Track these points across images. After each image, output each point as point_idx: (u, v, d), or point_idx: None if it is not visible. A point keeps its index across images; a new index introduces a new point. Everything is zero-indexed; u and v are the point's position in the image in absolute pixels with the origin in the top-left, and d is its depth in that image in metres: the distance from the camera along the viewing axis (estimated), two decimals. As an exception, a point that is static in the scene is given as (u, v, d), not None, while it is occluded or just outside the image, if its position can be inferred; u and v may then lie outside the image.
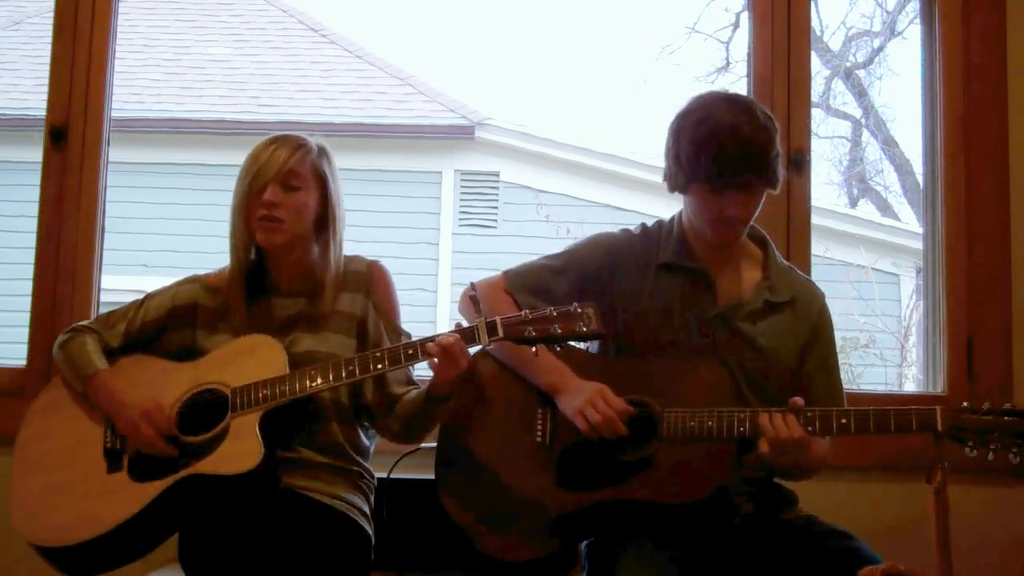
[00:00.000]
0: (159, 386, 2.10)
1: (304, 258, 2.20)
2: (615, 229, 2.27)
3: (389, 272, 2.27)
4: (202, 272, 2.29)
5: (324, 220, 2.19)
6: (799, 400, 1.96)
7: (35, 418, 2.19)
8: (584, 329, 1.91)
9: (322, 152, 2.21)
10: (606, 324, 2.16)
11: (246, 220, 2.14)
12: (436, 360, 1.97)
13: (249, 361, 2.07)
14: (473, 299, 2.00)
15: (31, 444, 2.15)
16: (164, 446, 2.01)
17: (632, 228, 2.25)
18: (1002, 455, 1.87)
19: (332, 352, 2.12)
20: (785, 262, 2.25)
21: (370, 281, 2.23)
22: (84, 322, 2.24)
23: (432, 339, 1.98)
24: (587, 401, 1.99)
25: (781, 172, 2.10)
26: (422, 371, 2.21)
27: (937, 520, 1.84)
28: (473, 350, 2.04)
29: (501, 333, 1.92)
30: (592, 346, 2.27)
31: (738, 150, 1.99)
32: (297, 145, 2.17)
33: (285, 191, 2.13)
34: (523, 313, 1.94)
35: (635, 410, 2.01)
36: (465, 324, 2.02)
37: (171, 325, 2.22)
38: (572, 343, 2.04)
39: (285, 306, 2.20)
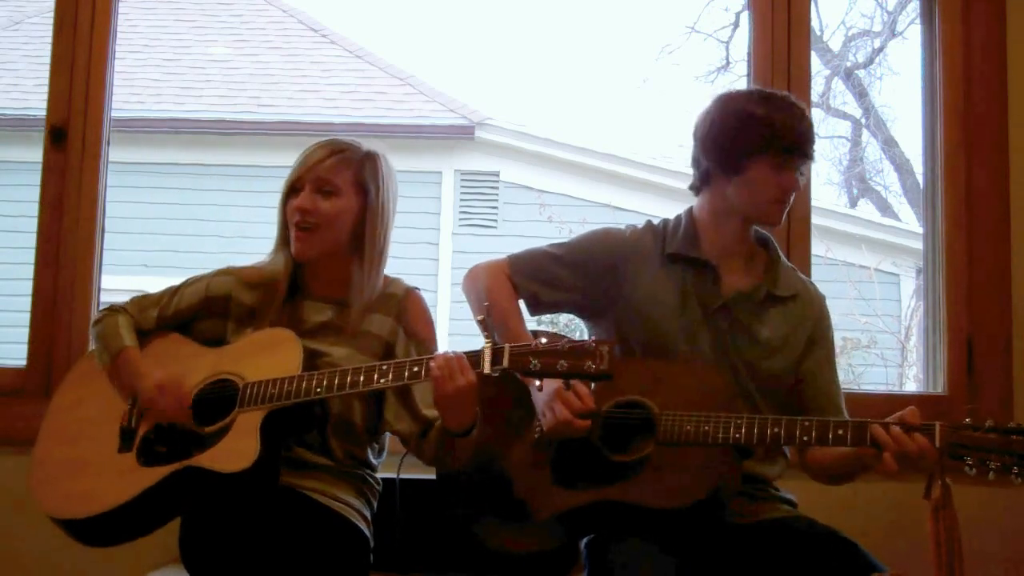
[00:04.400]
0: (184, 367, 2.11)
1: (341, 267, 2.17)
2: (621, 225, 2.27)
3: (424, 300, 2.22)
4: (236, 264, 2.26)
5: (362, 234, 2.14)
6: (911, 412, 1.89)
7: (70, 388, 2.21)
8: (592, 367, 1.79)
9: (368, 159, 2.15)
10: (607, 316, 2.18)
11: (284, 221, 2.15)
12: (437, 375, 1.90)
13: (267, 356, 2.06)
14: (482, 323, 1.96)
15: (60, 412, 2.18)
16: (184, 416, 2.02)
17: (638, 225, 2.26)
18: (1002, 475, 1.78)
19: None
20: (788, 263, 2.26)
21: (404, 307, 2.18)
22: (121, 302, 2.24)
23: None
24: (547, 403, 2.01)
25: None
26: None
27: (938, 538, 1.81)
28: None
29: (506, 363, 1.85)
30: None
31: (805, 129, 2.12)
32: (335, 150, 2.12)
33: (321, 196, 2.11)
34: (534, 344, 1.84)
35: (603, 410, 2.01)
36: (468, 306, 2.00)
37: (202, 315, 2.21)
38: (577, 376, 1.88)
39: (316, 311, 2.18)
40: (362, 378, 1.96)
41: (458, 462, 2.06)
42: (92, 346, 2.21)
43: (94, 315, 2.80)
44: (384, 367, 1.95)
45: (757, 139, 2.08)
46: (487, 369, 1.86)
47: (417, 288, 2.23)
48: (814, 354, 2.17)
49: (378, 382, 1.94)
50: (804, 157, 2.12)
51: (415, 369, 1.92)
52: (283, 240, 2.18)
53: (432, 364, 1.89)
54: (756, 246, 2.22)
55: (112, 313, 2.20)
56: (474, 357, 1.89)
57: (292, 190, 2.14)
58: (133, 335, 2.16)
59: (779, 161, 2.09)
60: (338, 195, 2.11)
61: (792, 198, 2.15)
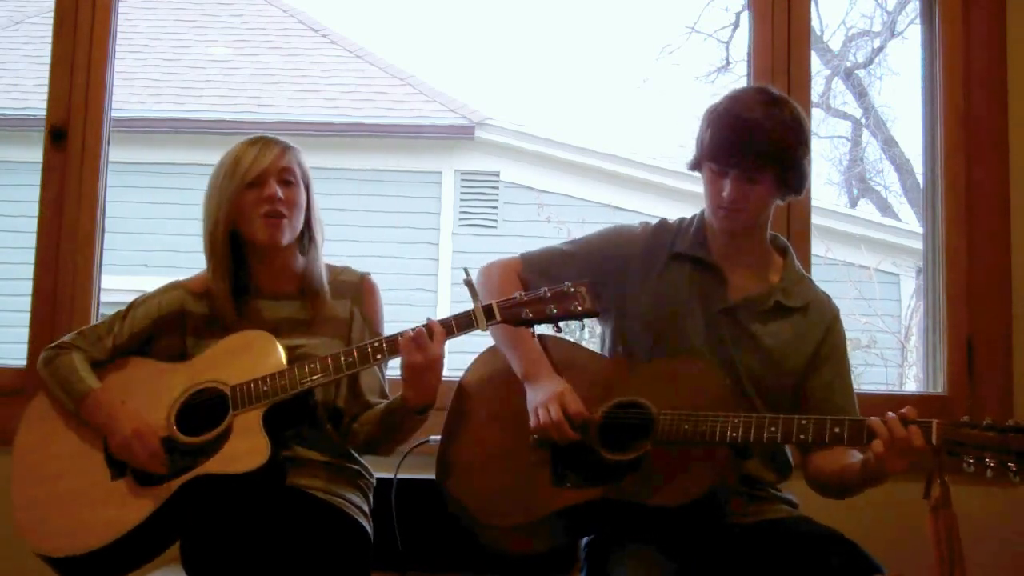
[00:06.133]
0: (154, 388, 2.08)
1: (291, 261, 2.20)
2: (635, 223, 2.28)
3: (378, 287, 2.28)
4: (183, 278, 2.25)
5: (309, 222, 2.19)
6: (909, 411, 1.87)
7: (31, 427, 2.13)
8: (579, 308, 1.92)
9: (300, 154, 2.21)
10: (613, 314, 2.19)
11: (240, 218, 2.12)
12: (407, 346, 1.96)
13: (244, 357, 2.06)
14: (468, 284, 1.99)
15: (29, 453, 2.10)
16: (157, 465, 1.98)
17: (652, 221, 2.26)
18: (1000, 473, 1.77)
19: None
20: (804, 273, 2.23)
21: (360, 292, 2.23)
22: (67, 337, 2.18)
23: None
24: (541, 402, 2.01)
25: (805, 181, 2.09)
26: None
27: (938, 537, 1.81)
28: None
29: (498, 316, 1.93)
30: (602, 343, 2.28)
31: (744, 134, 2.00)
32: (285, 145, 2.17)
33: (284, 186, 2.13)
34: (517, 295, 1.95)
35: (597, 416, 2.01)
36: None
37: (158, 333, 2.19)
38: (571, 322, 2.03)
39: (273, 309, 2.19)
40: (356, 357, 1.99)
41: (393, 444, 2.14)
42: (47, 384, 2.12)
43: (94, 316, 2.81)
44: (376, 343, 2.00)
45: (701, 144, 2.07)
46: (483, 326, 1.93)
47: (368, 273, 2.28)
48: (824, 372, 2.13)
49: (375, 358, 1.99)
50: (728, 167, 2.01)
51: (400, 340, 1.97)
52: (213, 249, 2.13)
53: (406, 333, 1.96)
54: (775, 253, 2.20)
55: (62, 352, 2.13)
56: (466, 318, 1.96)
57: (250, 186, 2.11)
58: (93, 374, 2.10)
59: (712, 167, 2.05)
60: (296, 185, 2.16)
61: (742, 207, 2.04)
